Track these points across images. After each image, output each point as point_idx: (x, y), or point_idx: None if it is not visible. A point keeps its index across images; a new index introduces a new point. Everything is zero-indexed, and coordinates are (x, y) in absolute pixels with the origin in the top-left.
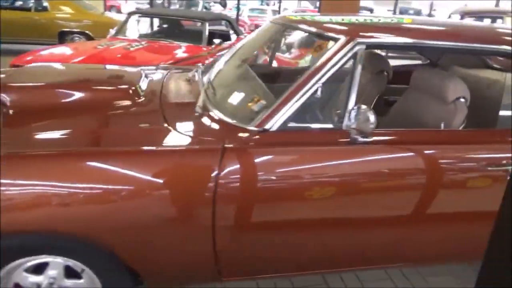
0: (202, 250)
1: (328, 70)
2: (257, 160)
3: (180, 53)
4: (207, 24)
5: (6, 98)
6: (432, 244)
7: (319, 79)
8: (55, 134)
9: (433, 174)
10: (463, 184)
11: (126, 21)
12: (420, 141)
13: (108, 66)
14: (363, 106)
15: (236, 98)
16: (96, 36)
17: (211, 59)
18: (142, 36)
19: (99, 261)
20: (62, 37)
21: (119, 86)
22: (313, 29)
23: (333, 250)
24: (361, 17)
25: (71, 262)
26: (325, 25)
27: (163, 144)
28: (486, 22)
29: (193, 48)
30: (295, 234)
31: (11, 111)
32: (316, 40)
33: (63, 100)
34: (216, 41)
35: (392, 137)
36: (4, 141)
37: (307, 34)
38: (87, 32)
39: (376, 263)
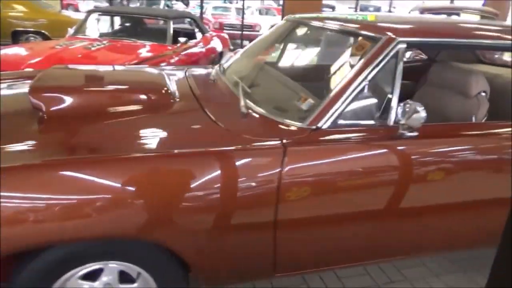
0: (262, 246)
1: (373, 69)
2: (318, 157)
3: (144, 52)
4: (171, 22)
5: (37, 102)
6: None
7: (365, 77)
8: (99, 139)
9: (483, 163)
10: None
11: (85, 20)
12: (464, 134)
13: (132, 67)
14: (411, 102)
15: (278, 97)
16: (53, 36)
17: (176, 58)
18: (103, 35)
19: (157, 263)
20: (16, 37)
21: (152, 88)
22: (352, 29)
23: (382, 240)
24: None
25: (126, 266)
26: (364, 24)
27: (223, 144)
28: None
29: (157, 47)
30: (350, 226)
31: (45, 115)
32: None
33: (100, 103)
34: (182, 39)
35: (438, 131)
36: (45, 147)
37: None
38: (43, 31)
39: (419, 251)
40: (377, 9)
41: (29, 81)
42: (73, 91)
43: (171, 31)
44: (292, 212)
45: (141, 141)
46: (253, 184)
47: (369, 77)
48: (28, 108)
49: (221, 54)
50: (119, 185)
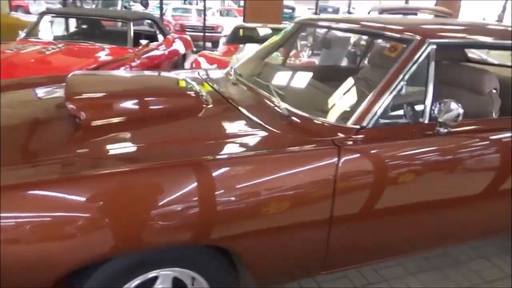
0: (316, 244)
1: (409, 70)
2: (370, 154)
3: (103, 56)
4: (131, 24)
5: (77, 109)
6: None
7: (402, 78)
8: (162, 145)
9: None
10: None
11: (38, 22)
12: (495, 129)
13: (158, 73)
14: (446, 100)
15: (312, 99)
16: (3, 39)
17: (138, 61)
18: (57, 39)
19: (211, 266)
20: None
21: (187, 93)
22: (389, 32)
23: (427, 231)
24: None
25: (180, 272)
26: (396, 27)
27: (286, 146)
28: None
29: (117, 50)
30: (399, 220)
31: (82, 123)
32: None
33: (139, 110)
34: (143, 42)
35: (471, 127)
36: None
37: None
38: None
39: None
40: (336, 10)
41: (38, 88)
42: (114, 98)
43: (132, 34)
44: (346, 209)
45: (206, 146)
46: (312, 182)
47: (406, 77)
48: (59, 115)
49: (184, 56)
50: (182, 192)
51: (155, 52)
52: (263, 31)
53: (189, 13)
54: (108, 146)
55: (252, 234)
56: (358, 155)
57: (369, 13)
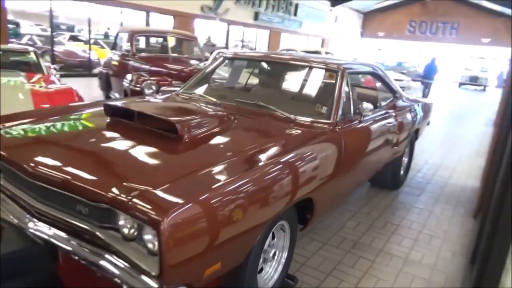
0: (343, 188)
1: (344, 85)
2: (347, 133)
3: None
4: None
5: (179, 126)
6: None
7: (344, 90)
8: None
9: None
10: None
11: None
12: (387, 115)
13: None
14: (364, 102)
15: (307, 107)
16: None
17: None
18: None
19: (294, 216)
20: None
21: (218, 113)
22: (316, 65)
23: (360, 176)
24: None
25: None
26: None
27: (325, 133)
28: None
29: None
30: (357, 168)
31: (186, 139)
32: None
33: (221, 124)
34: None
35: (371, 116)
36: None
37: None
38: None
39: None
40: (70, 28)
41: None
42: (203, 116)
43: None
44: (347, 163)
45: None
46: (333, 152)
47: (345, 89)
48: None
49: None
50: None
51: None
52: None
53: None
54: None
55: (321, 185)
56: (349, 134)
57: (117, 35)
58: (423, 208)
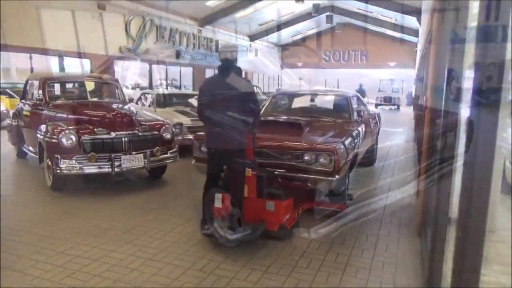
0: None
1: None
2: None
3: None
4: None
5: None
6: None
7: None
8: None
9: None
10: None
11: None
12: (368, 119)
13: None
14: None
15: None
16: None
17: None
18: None
19: None
20: None
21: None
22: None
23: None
24: None
25: None
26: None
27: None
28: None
29: None
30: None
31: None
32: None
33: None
34: None
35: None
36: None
37: None
38: None
39: None
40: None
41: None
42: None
43: None
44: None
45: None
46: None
47: (355, 106)
48: None
49: None
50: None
51: None
52: None
53: None
54: None
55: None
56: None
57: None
58: (369, 234)
